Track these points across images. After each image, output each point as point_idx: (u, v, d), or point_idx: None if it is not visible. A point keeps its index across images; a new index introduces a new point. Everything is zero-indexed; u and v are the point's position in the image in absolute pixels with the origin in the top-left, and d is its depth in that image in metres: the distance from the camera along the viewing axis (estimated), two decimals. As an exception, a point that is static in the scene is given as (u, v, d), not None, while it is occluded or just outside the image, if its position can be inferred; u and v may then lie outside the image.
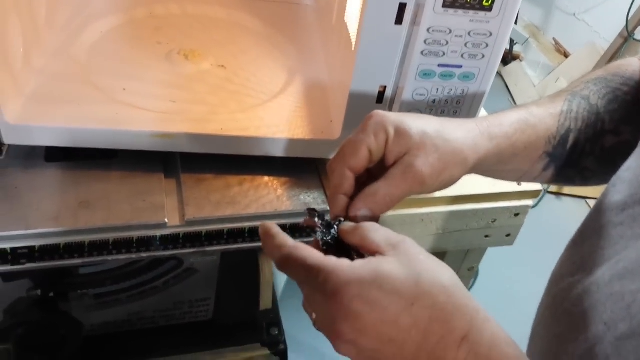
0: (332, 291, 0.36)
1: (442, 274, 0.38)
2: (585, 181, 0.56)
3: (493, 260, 1.21)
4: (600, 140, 0.53)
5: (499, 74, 2.55)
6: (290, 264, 0.39)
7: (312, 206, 0.64)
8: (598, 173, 0.55)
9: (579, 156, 0.53)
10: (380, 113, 0.45)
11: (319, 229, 0.43)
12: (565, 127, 0.52)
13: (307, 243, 0.46)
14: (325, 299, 0.37)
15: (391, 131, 0.44)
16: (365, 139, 0.44)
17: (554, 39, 2.57)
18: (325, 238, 0.43)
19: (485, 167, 0.49)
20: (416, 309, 0.36)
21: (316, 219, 0.44)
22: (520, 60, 2.63)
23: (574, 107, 0.53)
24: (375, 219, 0.44)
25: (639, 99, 0.54)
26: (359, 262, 0.38)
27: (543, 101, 0.54)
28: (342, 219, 0.44)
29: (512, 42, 2.57)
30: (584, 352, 0.39)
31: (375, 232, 0.40)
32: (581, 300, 0.41)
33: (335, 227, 0.43)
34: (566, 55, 2.47)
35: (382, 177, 0.44)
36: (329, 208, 0.46)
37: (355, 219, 0.44)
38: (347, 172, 0.44)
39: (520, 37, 2.55)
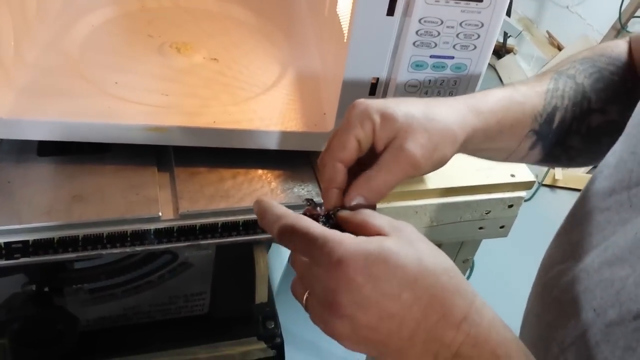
0: (337, 261, 0.36)
1: (442, 258, 0.39)
2: (570, 160, 0.57)
3: (489, 253, 1.22)
4: (587, 119, 0.54)
5: (492, 67, 2.56)
6: (293, 233, 0.38)
7: (306, 197, 0.64)
8: (583, 152, 0.55)
9: (565, 134, 0.54)
10: (363, 102, 0.45)
11: (320, 217, 0.43)
12: (551, 105, 0.52)
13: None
14: (327, 270, 0.37)
15: (376, 118, 0.44)
16: (352, 130, 0.44)
17: (547, 31, 2.58)
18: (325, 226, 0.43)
19: (473, 144, 0.49)
20: (419, 286, 0.36)
21: (318, 208, 0.44)
22: (514, 54, 2.63)
23: (560, 86, 0.53)
24: (371, 207, 0.44)
25: (625, 79, 0.54)
26: (363, 238, 0.38)
27: (529, 80, 0.54)
28: (339, 208, 0.44)
29: (505, 35, 2.57)
30: (574, 338, 0.39)
31: (377, 218, 0.40)
32: (571, 287, 0.42)
33: (333, 217, 0.43)
34: (560, 48, 2.48)
35: (375, 164, 0.44)
36: (322, 201, 0.46)
37: (351, 209, 0.44)
38: (338, 165, 0.44)
39: (514, 30, 2.55)
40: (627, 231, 0.39)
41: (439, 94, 0.62)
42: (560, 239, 0.49)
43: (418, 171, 0.44)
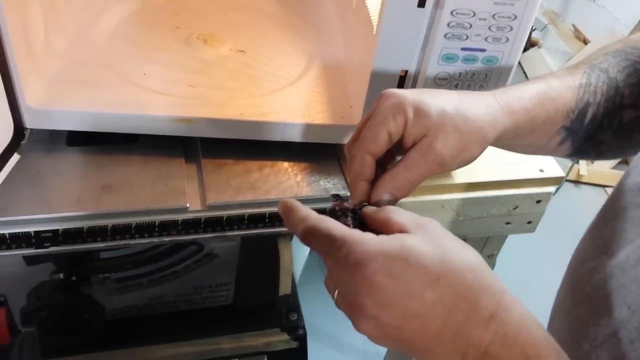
0: (356, 262, 0.36)
1: (468, 254, 0.38)
2: (599, 155, 0.56)
3: (510, 248, 1.20)
4: (619, 114, 0.52)
5: (516, 60, 2.52)
6: (314, 235, 0.38)
7: (332, 192, 0.64)
8: (613, 147, 0.54)
9: (596, 130, 0.53)
10: (397, 93, 0.44)
11: (348, 212, 0.43)
12: (584, 101, 0.51)
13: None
14: (348, 272, 0.36)
15: (410, 112, 0.43)
16: (384, 123, 0.43)
17: (573, 25, 2.53)
18: (350, 222, 0.42)
19: (503, 141, 0.48)
20: (442, 285, 0.35)
21: (345, 203, 0.44)
22: (539, 47, 2.59)
23: (592, 81, 0.52)
24: (393, 202, 0.44)
25: None
26: (384, 237, 0.37)
27: (561, 73, 0.53)
28: (365, 203, 0.44)
29: (530, 29, 2.54)
30: (607, 336, 0.39)
31: (400, 214, 0.40)
32: (604, 284, 0.41)
33: (359, 212, 0.43)
34: (585, 42, 2.44)
35: (402, 161, 0.44)
36: (349, 194, 0.46)
37: (377, 204, 0.44)
38: (368, 158, 0.44)
39: (539, 23, 2.52)
40: None
41: (469, 87, 0.61)
42: (592, 234, 0.48)
43: (444, 170, 0.44)
